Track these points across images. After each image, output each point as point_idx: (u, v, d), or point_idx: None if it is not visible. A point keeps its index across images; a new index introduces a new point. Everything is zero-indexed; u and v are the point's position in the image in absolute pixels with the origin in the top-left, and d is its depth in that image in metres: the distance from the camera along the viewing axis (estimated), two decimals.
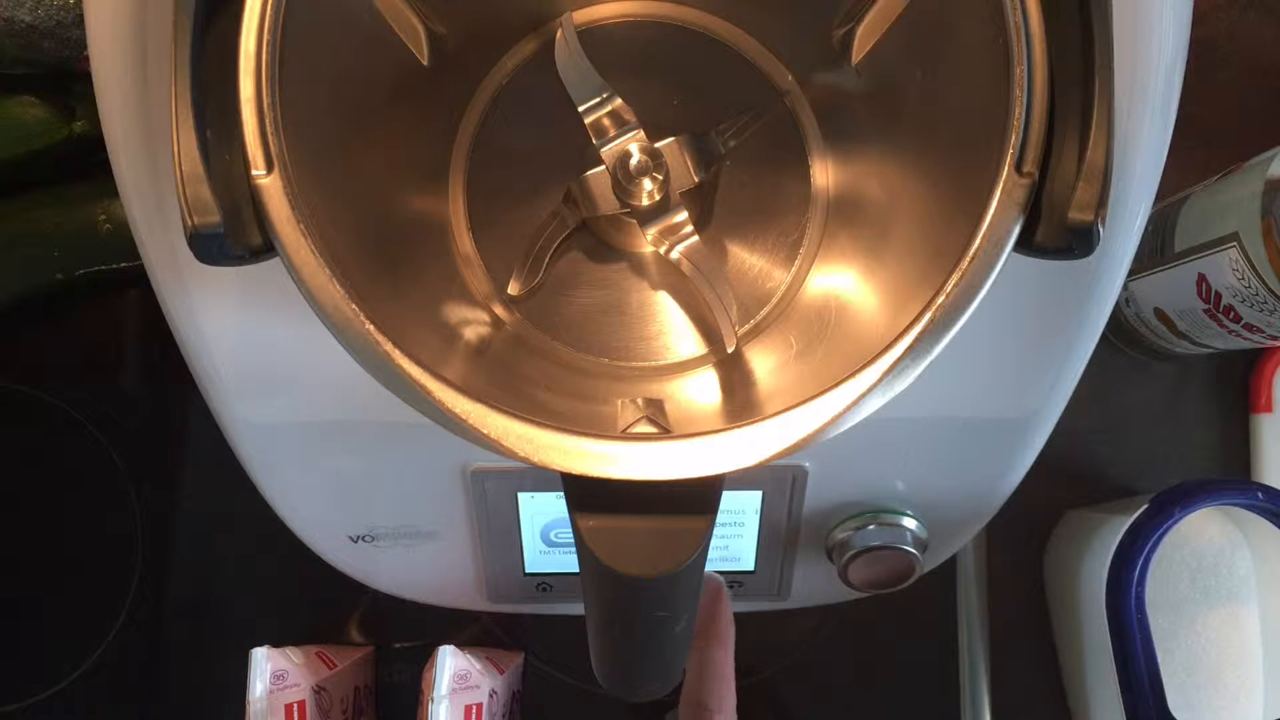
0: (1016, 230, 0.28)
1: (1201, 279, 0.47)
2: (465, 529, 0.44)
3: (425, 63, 0.34)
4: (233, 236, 0.27)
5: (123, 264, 0.54)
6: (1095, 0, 0.28)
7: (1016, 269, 0.28)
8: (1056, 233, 0.28)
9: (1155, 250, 0.50)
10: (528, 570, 0.45)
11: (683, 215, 0.35)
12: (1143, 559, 0.47)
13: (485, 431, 0.27)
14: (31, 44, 0.50)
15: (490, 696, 0.48)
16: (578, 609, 0.36)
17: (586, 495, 0.30)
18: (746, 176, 0.37)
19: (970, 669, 0.56)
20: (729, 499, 0.42)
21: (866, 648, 0.57)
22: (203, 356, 0.38)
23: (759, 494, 0.42)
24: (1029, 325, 0.38)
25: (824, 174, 0.37)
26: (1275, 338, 0.48)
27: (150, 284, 0.37)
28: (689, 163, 0.35)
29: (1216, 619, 0.53)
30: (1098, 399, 0.57)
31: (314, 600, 0.56)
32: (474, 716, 0.47)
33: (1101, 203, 0.27)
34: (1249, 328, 0.47)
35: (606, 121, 0.35)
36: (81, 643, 0.56)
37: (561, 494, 0.30)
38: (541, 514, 0.44)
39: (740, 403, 0.34)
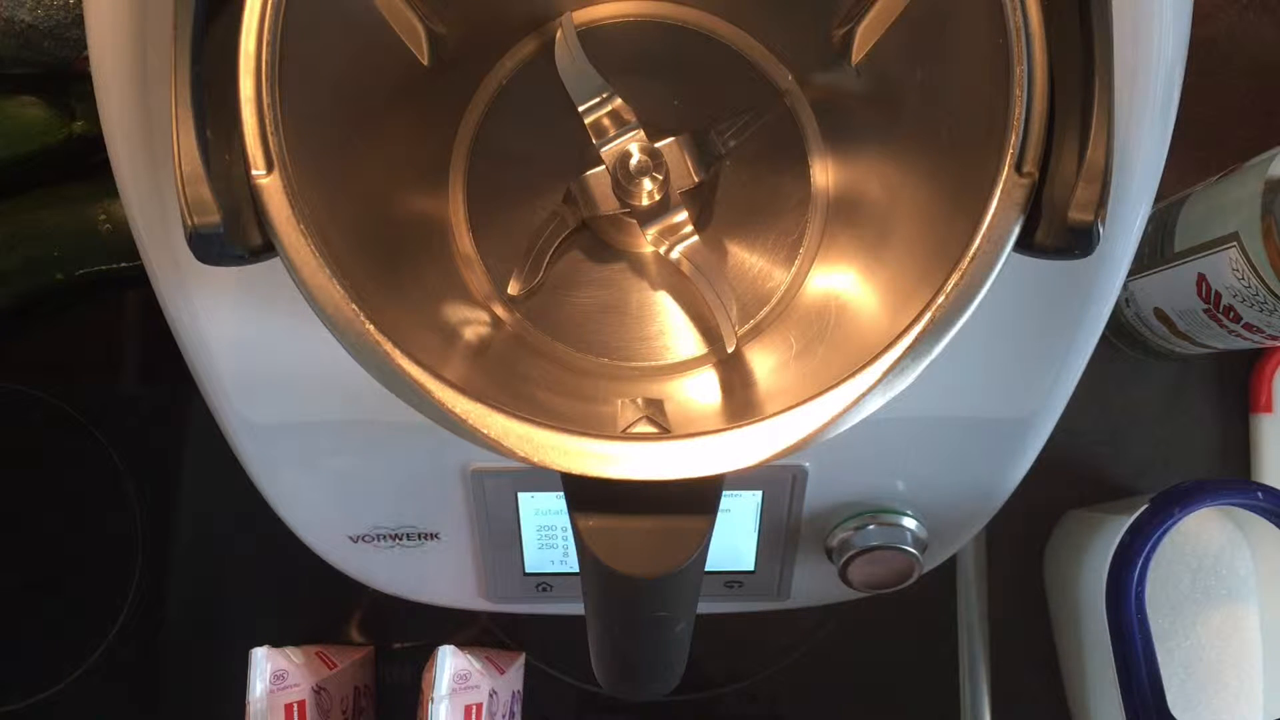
0: (1016, 230, 0.28)
1: (1201, 279, 0.47)
2: (465, 529, 0.44)
3: (425, 63, 0.34)
4: (233, 236, 0.27)
5: (123, 264, 0.54)
6: (1095, 0, 0.28)
7: (1016, 269, 0.28)
8: (1056, 233, 0.28)
9: (1155, 250, 0.50)
10: (528, 570, 0.45)
11: (683, 215, 0.35)
12: (1143, 559, 0.47)
13: (485, 431, 0.27)
14: (31, 44, 0.50)
15: (490, 696, 0.48)
16: (578, 609, 0.36)
17: (586, 495, 0.30)
18: (746, 176, 0.37)
19: (970, 669, 0.56)
20: (729, 499, 0.42)
21: (866, 648, 0.57)
22: (203, 356, 0.38)
23: (759, 494, 0.42)
24: (1029, 325, 0.38)
25: (824, 174, 0.37)
26: (1275, 338, 0.48)
27: (150, 284, 0.37)
28: (689, 163, 0.35)
29: (1216, 619, 0.53)
30: (1098, 399, 0.57)
31: (314, 600, 0.56)
32: (474, 716, 0.47)
33: (1101, 203, 0.27)
34: (1249, 328, 0.47)
35: (606, 121, 0.35)
36: (81, 643, 0.56)
37: (561, 494, 0.30)
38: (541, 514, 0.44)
39: (740, 403, 0.34)
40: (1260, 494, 0.48)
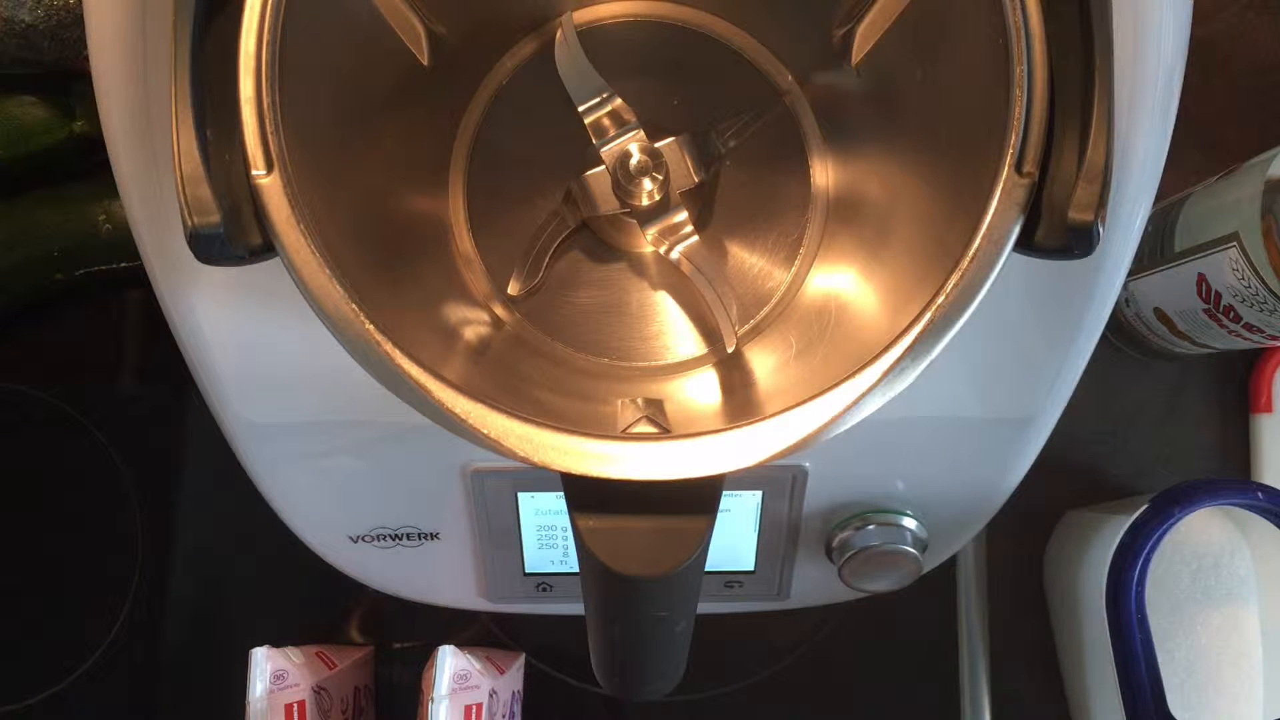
0: (1016, 230, 0.28)
1: (1201, 279, 0.47)
2: (465, 529, 0.44)
3: (425, 63, 0.34)
4: (233, 236, 0.27)
5: (123, 264, 0.54)
6: (1095, 0, 0.28)
7: (1017, 269, 0.28)
8: (1056, 233, 0.28)
9: (1155, 250, 0.50)
10: (528, 570, 0.45)
11: (683, 215, 0.35)
12: (1143, 559, 0.47)
13: (485, 431, 0.27)
14: (31, 44, 0.50)
15: (490, 696, 0.48)
16: (578, 609, 0.36)
17: (586, 495, 0.30)
18: (746, 176, 0.37)
19: (970, 669, 0.56)
20: (729, 499, 0.42)
21: (866, 648, 0.57)
22: (203, 356, 0.38)
23: (759, 494, 0.42)
24: (1029, 325, 0.38)
25: (824, 174, 0.37)
26: (1275, 338, 0.48)
27: (150, 284, 0.37)
28: (689, 163, 0.35)
29: (1216, 619, 0.53)
30: (1098, 399, 0.57)
31: (314, 600, 0.56)
32: (474, 716, 0.47)
33: (1101, 203, 0.27)
34: (1249, 328, 0.47)
35: (606, 121, 0.35)
36: (81, 643, 0.56)
37: (561, 494, 0.30)
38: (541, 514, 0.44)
39: (740, 403, 0.34)
40: (1260, 494, 0.48)
